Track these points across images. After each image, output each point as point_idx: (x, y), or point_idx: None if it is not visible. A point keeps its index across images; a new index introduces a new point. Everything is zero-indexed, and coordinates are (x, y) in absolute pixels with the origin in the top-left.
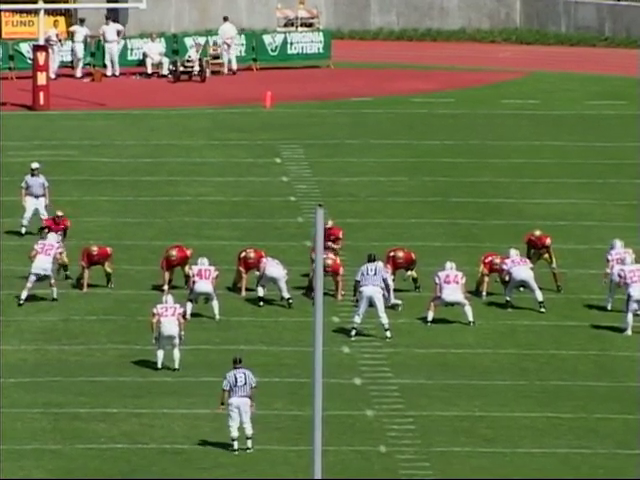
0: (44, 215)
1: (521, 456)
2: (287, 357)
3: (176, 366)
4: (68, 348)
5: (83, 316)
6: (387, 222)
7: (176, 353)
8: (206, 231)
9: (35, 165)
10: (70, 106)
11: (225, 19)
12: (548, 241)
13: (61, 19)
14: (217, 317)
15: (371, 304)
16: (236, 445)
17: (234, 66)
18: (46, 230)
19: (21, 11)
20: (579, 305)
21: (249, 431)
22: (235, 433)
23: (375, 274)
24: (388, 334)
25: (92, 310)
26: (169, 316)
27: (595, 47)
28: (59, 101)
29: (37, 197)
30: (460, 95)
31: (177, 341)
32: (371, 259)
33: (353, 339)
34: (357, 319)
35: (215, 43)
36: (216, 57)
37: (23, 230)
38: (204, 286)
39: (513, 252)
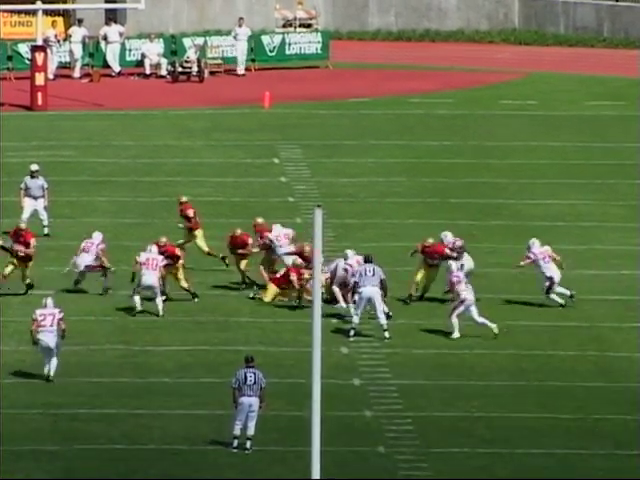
0: (43, 216)
1: (520, 457)
2: (286, 358)
3: (160, 313)
4: (67, 349)
5: (81, 317)
6: (385, 223)
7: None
8: (204, 231)
9: (35, 167)
10: (68, 107)
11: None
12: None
13: (59, 20)
14: (161, 313)
15: (370, 305)
16: (236, 443)
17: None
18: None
19: (19, 11)
20: (577, 305)
21: (251, 432)
22: (237, 432)
23: (373, 275)
24: (387, 334)
25: (90, 311)
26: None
27: (594, 48)
28: (57, 102)
29: (36, 199)
30: (459, 96)
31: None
32: (368, 260)
33: (352, 339)
34: (355, 319)
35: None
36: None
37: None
38: (150, 278)
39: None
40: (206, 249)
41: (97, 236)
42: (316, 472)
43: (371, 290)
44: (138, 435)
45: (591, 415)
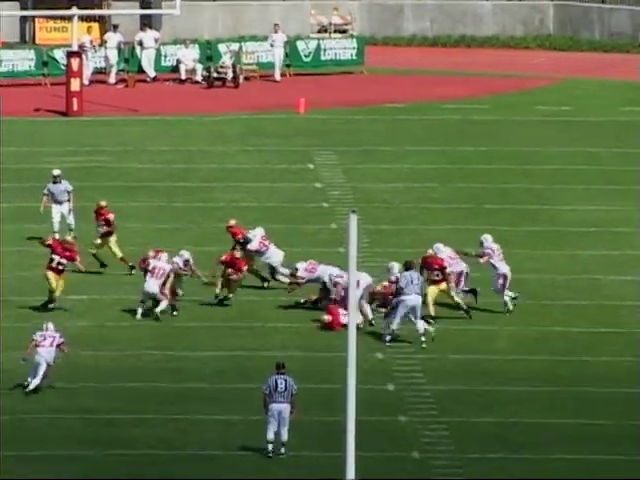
0: (70, 220)
1: (554, 463)
2: (321, 363)
3: (157, 314)
4: (102, 354)
5: (117, 322)
6: (421, 228)
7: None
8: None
9: (57, 172)
10: (104, 112)
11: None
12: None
13: (95, 25)
14: (156, 314)
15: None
16: (270, 447)
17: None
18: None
19: (55, 17)
20: (612, 311)
21: (284, 437)
22: (271, 435)
23: (418, 282)
24: (424, 338)
25: (126, 316)
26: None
27: (629, 53)
28: (93, 107)
29: (61, 203)
30: (494, 101)
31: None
32: (410, 267)
33: (388, 344)
34: (395, 326)
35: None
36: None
37: (57, 236)
38: (152, 286)
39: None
40: (120, 255)
41: (164, 257)
42: (350, 477)
43: (416, 299)
44: (174, 440)
45: (626, 421)
